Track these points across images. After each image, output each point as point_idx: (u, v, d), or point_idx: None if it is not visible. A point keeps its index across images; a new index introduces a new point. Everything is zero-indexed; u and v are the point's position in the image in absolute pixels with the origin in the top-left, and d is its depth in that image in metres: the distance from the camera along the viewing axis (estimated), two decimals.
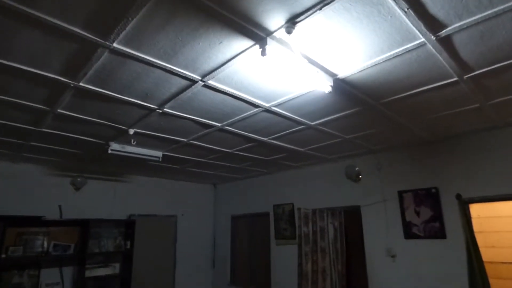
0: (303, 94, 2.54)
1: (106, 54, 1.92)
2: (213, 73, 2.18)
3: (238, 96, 2.54)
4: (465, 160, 3.52)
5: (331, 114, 2.95)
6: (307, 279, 4.37)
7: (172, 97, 2.54)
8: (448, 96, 2.57)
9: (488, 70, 2.16)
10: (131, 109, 2.76)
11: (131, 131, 3.28)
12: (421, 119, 3.08)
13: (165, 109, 2.77)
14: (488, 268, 3.28)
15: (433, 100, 2.65)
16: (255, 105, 2.74)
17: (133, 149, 3.82)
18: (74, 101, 2.56)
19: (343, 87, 2.39)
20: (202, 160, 4.59)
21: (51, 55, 1.92)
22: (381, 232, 4.03)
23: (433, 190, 3.62)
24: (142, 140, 3.61)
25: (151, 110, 2.78)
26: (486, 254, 4.09)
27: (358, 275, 4.16)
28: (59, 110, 2.74)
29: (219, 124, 3.18)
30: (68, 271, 4.53)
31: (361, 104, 2.74)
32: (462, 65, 2.10)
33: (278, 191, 5.55)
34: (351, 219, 4.50)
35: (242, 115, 2.96)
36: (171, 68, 2.10)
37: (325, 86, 2.20)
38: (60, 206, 4.66)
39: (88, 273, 4.45)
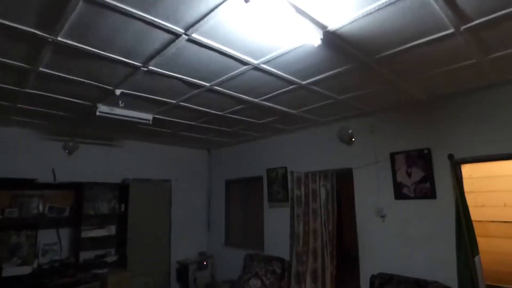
0: (293, 50, 2.43)
1: (80, 3, 1.80)
2: (197, 25, 2.06)
3: (225, 52, 2.43)
4: (459, 120, 3.48)
5: (323, 72, 2.85)
6: (298, 239, 4.49)
7: (156, 53, 2.43)
8: (443, 51, 2.47)
9: (486, 20, 2.04)
10: (115, 67, 2.66)
11: (118, 92, 3.19)
12: (415, 77, 2.99)
13: (150, 67, 2.66)
14: (477, 227, 3.34)
15: (428, 56, 2.55)
16: (243, 62, 2.64)
17: (121, 111, 3.75)
18: (55, 58, 2.46)
19: (333, 40, 2.28)
20: (193, 123, 4.54)
21: (26, 6, 1.81)
22: (372, 193, 4.08)
23: (425, 151, 3.61)
24: (130, 101, 3.53)
25: (136, 68, 2.68)
26: (476, 213, 4.17)
27: (349, 235, 4.28)
28: (41, 69, 2.64)
29: (207, 84, 3.09)
30: (64, 232, 4.63)
31: (353, 61, 2.64)
32: (459, 14, 1.98)
33: (272, 155, 5.55)
34: (343, 181, 4.54)
35: (230, 74, 2.86)
36: (151, 19, 1.98)
37: (314, 39, 2.10)
38: (53, 170, 4.67)
39: (84, 234, 4.56)
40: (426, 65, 2.73)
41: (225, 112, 4.03)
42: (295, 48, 2.41)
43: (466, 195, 3.22)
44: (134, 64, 2.60)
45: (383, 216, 3.90)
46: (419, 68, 2.79)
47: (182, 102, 3.61)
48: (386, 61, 2.62)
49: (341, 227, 4.49)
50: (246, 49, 2.41)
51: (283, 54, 2.50)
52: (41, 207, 4.37)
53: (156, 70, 2.73)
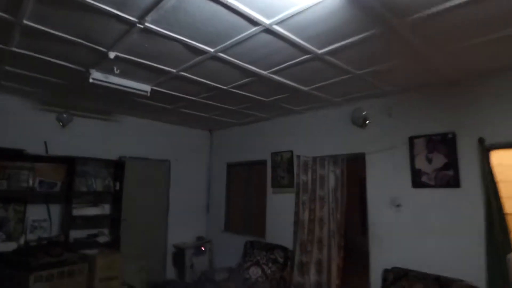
0: (312, 6, 2.08)
1: None
2: None
3: (232, 6, 2.09)
4: (491, 102, 3.11)
5: (343, 38, 2.50)
6: (303, 227, 4.23)
7: (154, 4, 2.10)
8: (487, 15, 2.12)
9: None
10: (107, 22, 2.34)
11: (112, 55, 2.87)
12: (449, 48, 2.63)
13: (147, 24, 2.33)
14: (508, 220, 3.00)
15: (470, 20, 2.19)
16: (253, 22, 2.30)
17: (117, 80, 3.44)
18: (39, 8, 2.17)
19: None
20: (195, 98, 4.21)
21: None
22: (386, 180, 3.75)
23: (450, 136, 3.27)
24: (127, 69, 3.22)
25: (131, 24, 2.35)
26: (506, 205, 3.78)
27: (358, 224, 3.99)
28: (25, 21, 2.33)
29: (211, 50, 2.76)
30: (55, 209, 4.37)
31: (380, 24, 2.28)
32: None
33: (277, 138, 5.24)
34: (354, 167, 4.23)
35: (238, 37, 2.52)
36: None
37: None
38: (45, 142, 4.38)
39: (76, 212, 4.30)
40: (465, 33, 2.37)
41: (229, 86, 3.70)
42: (315, 5, 2.07)
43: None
44: (128, 19, 2.28)
45: (398, 206, 3.58)
46: (457, 36, 2.43)
47: (183, 72, 3.28)
48: (419, 25, 2.26)
49: (349, 215, 4.19)
50: (257, 3, 2.06)
51: (300, 12, 2.16)
52: (30, 181, 4.11)
53: (153, 29, 2.40)
